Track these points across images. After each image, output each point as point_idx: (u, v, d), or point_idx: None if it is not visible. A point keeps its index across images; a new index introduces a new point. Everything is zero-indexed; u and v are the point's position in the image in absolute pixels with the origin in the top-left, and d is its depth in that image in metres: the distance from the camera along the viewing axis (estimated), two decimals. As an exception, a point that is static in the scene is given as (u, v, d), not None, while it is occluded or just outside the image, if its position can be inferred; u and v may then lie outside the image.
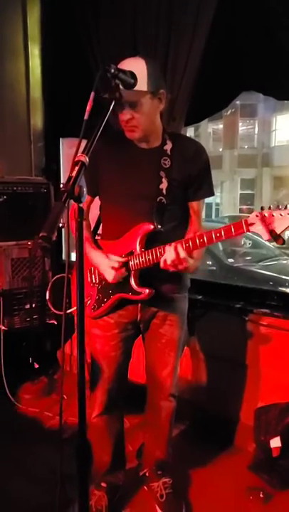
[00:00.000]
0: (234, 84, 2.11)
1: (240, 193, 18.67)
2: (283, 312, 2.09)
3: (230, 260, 5.27)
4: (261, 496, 1.84)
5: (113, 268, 1.56)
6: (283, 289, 4.27)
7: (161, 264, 1.45)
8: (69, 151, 3.24)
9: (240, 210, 17.30)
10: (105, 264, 1.59)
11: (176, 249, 1.41)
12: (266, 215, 1.25)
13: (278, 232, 1.23)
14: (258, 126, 18.66)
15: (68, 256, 1.12)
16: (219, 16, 2.02)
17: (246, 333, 2.20)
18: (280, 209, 1.23)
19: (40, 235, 0.95)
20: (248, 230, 1.29)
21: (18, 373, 2.73)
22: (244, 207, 17.49)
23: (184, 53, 2.12)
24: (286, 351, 2.07)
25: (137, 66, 1.40)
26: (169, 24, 2.15)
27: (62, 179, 3.21)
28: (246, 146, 19.03)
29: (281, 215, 1.22)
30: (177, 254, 1.41)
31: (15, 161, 2.96)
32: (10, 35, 2.90)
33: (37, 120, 3.08)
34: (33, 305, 2.76)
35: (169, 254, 1.42)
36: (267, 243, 6.71)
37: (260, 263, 5.33)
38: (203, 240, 1.39)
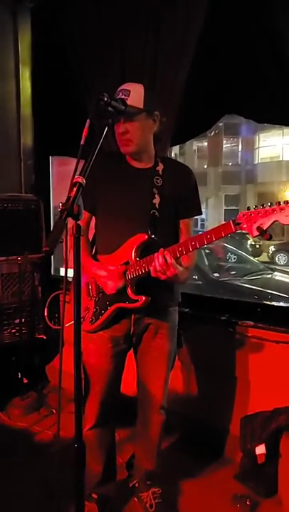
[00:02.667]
0: (217, 108, 2.23)
1: (225, 209, 18.98)
2: (267, 323, 2.17)
3: (216, 274, 5.38)
4: (248, 503, 1.88)
5: (111, 278, 1.61)
6: (267, 302, 4.38)
7: (151, 272, 1.51)
8: (58, 168, 3.32)
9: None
10: (104, 275, 1.64)
11: (162, 254, 1.48)
12: (251, 213, 1.32)
13: (265, 228, 1.29)
14: (241, 144, 19.15)
15: (66, 271, 1.19)
16: (202, 44, 2.14)
17: (232, 345, 2.27)
18: (264, 207, 1.31)
19: (44, 249, 1.04)
20: (236, 229, 1.35)
21: (6, 388, 2.74)
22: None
23: (169, 77, 2.23)
24: (270, 360, 2.14)
25: (135, 87, 1.58)
26: (156, 49, 2.26)
27: (52, 196, 3.29)
28: (230, 163, 19.47)
29: (266, 211, 1.30)
30: (164, 259, 1.47)
31: (5, 178, 3.03)
32: (2, 58, 3.01)
33: (27, 138, 3.16)
34: (23, 320, 2.79)
35: (156, 260, 1.49)
36: (251, 258, 6.89)
37: (245, 277, 5.44)
38: (195, 243, 1.46)
